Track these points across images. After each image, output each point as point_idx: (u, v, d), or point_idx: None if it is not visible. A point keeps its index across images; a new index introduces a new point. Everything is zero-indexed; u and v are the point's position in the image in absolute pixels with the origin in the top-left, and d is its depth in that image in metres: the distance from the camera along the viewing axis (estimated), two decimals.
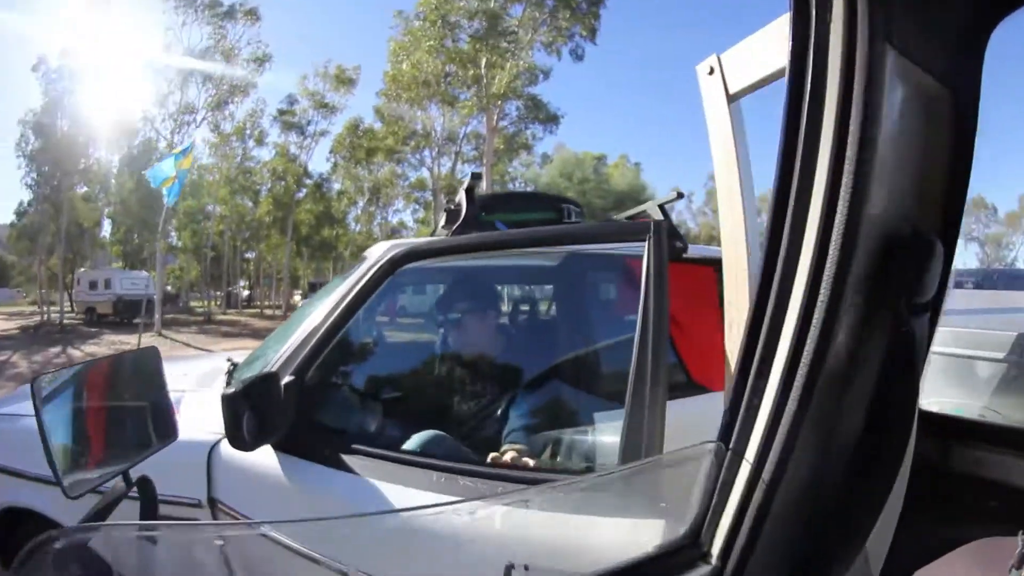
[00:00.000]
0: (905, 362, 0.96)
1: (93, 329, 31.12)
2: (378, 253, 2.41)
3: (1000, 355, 3.00)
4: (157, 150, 33.99)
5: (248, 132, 37.98)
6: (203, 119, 34.76)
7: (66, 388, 1.46)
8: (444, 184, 35.71)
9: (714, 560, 1.03)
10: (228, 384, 2.42)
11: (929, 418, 1.24)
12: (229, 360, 3.02)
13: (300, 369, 2.21)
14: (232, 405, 1.90)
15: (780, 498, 0.96)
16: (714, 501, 1.05)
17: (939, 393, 2.99)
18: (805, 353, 0.92)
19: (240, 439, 1.92)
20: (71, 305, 37.77)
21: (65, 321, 34.06)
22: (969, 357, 3.06)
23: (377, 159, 38.61)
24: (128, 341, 24.63)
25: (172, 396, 2.63)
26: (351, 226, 43.39)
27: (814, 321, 0.92)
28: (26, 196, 35.83)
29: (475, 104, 29.41)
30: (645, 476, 1.31)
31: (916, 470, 1.12)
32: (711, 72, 1.55)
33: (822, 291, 0.91)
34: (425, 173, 39.23)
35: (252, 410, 1.94)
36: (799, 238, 0.95)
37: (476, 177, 2.62)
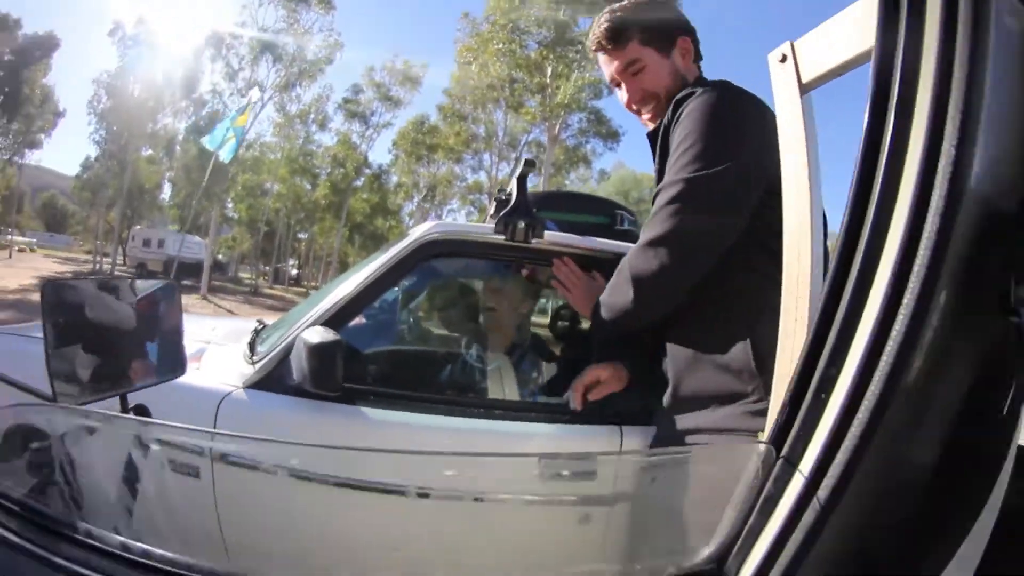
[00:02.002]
0: (1008, 366, 0.78)
1: None
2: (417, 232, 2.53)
3: None
4: (222, 122, 34.69)
5: (312, 116, 38.31)
6: (270, 98, 35.14)
7: (79, 300, 1.41)
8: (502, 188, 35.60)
9: None
10: (259, 339, 2.64)
11: None
12: (259, 321, 3.00)
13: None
14: (330, 350, 2.07)
15: (834, 525, 0.77)
16: (751, 520, 0.87)
17: None
18: (889, 344, 0.75)
19: (334, 383, 2.09)
20: (123, 259, 38.76)
21: (116, 273, 34.88)
22: None
23: (438, 156, 38.75)
24: None
25: (195, 345, 2.63)
26: (405, 220, 43.56)
27: (903, 307, 0.74)
28: (93, 152, 37.00)
29: (538, 112, 29.35)
30: (676, 466, 1.17)
31: (1014, 516, 0.89)
32: (783, 60, 1.47)
33: (916, 269, 0.73)
34: (483, 176, 39.29)
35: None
36: (889, 210, 0.78)
37: (530, 164, 2.49)
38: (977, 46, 0.73)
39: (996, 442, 0.79)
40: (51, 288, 1.32)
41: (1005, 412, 0.77)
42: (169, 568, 0.84)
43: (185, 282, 33.35)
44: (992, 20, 0.73)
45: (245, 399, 2.24)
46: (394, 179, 42.16)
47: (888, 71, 0.81)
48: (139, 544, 0.85)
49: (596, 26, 2.08)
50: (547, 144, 30.52)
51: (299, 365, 2.12)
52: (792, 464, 0.83)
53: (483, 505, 1.24)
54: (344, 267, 45.23)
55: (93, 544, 0.86)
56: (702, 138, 1.78)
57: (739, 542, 0.87)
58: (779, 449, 0.86)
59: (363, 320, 2.75)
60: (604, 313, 1.99)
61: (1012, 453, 0.79)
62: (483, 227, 2.54)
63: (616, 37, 2.05)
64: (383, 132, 39.98)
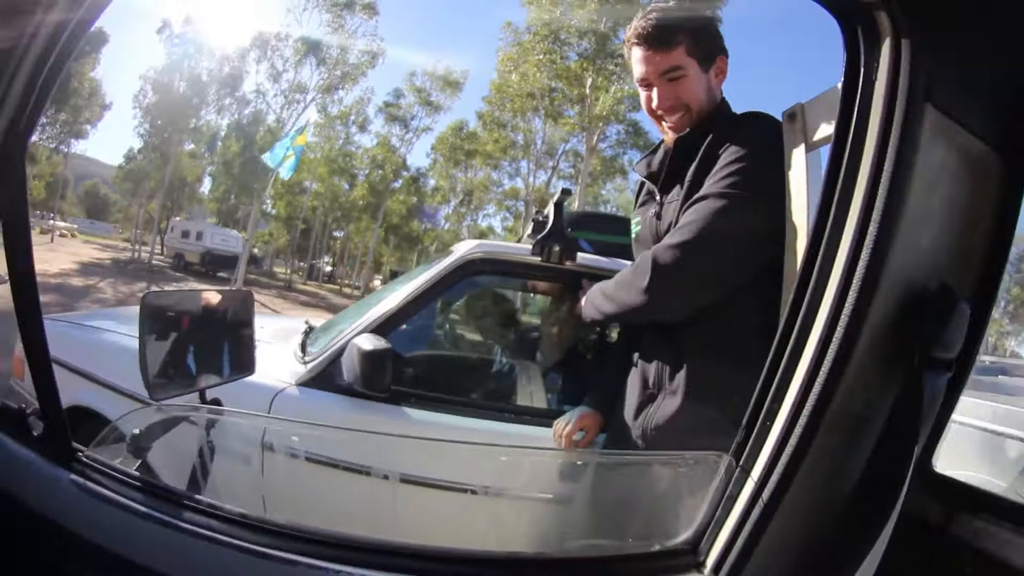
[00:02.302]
0: (910, 412, 0.99)
1: (179, 274, 32.44)
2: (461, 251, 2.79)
3: None
4: (265, 123, 35.31)
5: (353, 118, 38.88)
6: (312, 100, 35.72)
7: (169, 308, 1.63)
8: (537, 196, 35.92)
9: (707, 571, 1.09)
10: (308, 343, 2.89)
11: (941, 481, 1.25)
12: (307, 322, 3.22)
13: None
14: (381, 357, 2.33)
15: (777, 520, 1.01)
16: (717, 513, 1.11)
17: (973, 468, 3.06)
18: (815, 387, 0.98)
19: (384, 385, 2.35)
20: (161, 249, 39.42)
21: (154, 262, 35.70)
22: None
23: (475, 161, 38.99)
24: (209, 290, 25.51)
25: None
26: (440, 223, 43.91)
27: (827, 359, 0.97)
28: (136, 144, 37.94)
29: (577, 123, 29.40)
30: (661, 468, 1.41)
31: (919, 529, 1.16)
32: (792, 118, 1.60)
33: (838, 331, 0.95)
34: (519, 183, 39.46)
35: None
36: (825, 280, 1.00)
37: (566, 192, 2.66)
38: (902, 163, 0.92)
39: (902, 465, 0.99)
40: (148, 299, 1.53)
41: (909, 441, 1.00)
42: (286, 531, 1.05)
43: (220, 274, 33.91)
44: (920, 140, 0.93)
45: (297, 395, 2.50)
46: (431, 183, 42.52)
47: (837, 169, 1.01)
48: (254, 513, 1.06)
49: (644, 19, 1.94)
50: (584, 154, 30.53)
51: (351, 367, 2.35)
52: (746, 472, 1.07)
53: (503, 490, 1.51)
54: (378, 267, 45.54)
55: (214, 511, 1.07)
56: (755, 162, 1.80)
57: (709, 529, 1.11)
58: (738, 460, 1.10)
59: (407, 327, 2.95)
60: (606, 305, 2.03)
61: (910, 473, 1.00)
62: (521, 248, 2.76)
63: (665, 38, 1.93)
64: (422, 136, 40.53)
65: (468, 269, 2.71)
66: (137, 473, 1.13)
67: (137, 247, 39.26)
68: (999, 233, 1.08)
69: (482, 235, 43.56)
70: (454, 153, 39.10)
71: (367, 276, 43.93)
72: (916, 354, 0.97)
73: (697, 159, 1.93)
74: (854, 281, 0.94)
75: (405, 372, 2.76)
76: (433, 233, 42.96)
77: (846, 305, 0.95)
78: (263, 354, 2.80)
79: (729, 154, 1.85)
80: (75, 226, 54.16)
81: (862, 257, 0.94)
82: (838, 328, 0.96)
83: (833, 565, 1.03)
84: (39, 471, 1.07)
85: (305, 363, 2.60)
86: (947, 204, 1.01)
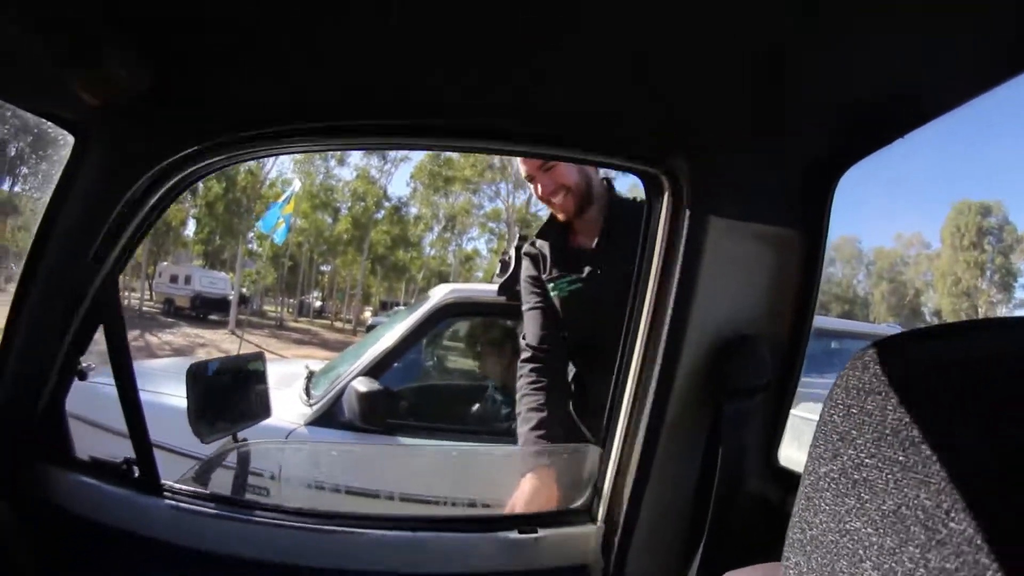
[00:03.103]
0: (718, 426, 1.41)
1: (170, 319, 32.33)
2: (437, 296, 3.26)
3: None
4: (246, 164, 35.53)
5: (331, 153, 38.86)
6: None
7: (206, 371, 2.06)
8: (519, 216, 36.23)
9: (599, 523, 1.56)
10: (312, 384, 3.34)
11: (781, 471, 1.55)
12: (307, 367, 3.64)
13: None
14: (375, 397, 2.79)
15: (634, 489, 1.46)
16: (596, 484, 1.60)
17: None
18: (637, 409, 1.46)
19: (379, 420, 2.83)
20: (150, 295, 39.30)
21: (144, 308, 35.66)
22: None
23: (455, 187, 39.49)
24: (202, 335, 25.47)
25: None
26: (426, 250, 44.44)
27: (651, 387, 1.41)
28: None
29: None
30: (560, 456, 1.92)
31: (764, 508, 1.48)
32: None
33: (655, 373, 1.41)
34: (500, 204, 39.94)
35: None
36: (634, 340, 1.49)
37: (524, 239, 2.85)
38: (687, 266, 1.36)
39: (711, 463, 1.44)
40: (192, 369, 1.97)
41: (716, 443, 1.44)
42: (323, 513, 1.52)
43: (212, 316, 34.03)
44: (705, 245, 1.36)
45: (307, 434, 2.93)
46: (413, 211, 42.85)
47: (639, 271, 1.50)
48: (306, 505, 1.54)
49: None
50: None
51: (350, 407, 2.80)
52: (608, 456, 1.56)
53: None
54: (367, 298, 45.48)
55: (276, 507, 1.53)
56: None
57: (594, 494, 1.61)
58: (602, 447, 1.59)
59: (397, 365, 3.37)
60: None
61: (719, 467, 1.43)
62: (489, 288, 3.21)
63: None
64: (401, 166, 41.04)
65: (444, 312, 3.19)
66: (210, 491, 1.56)
67: (127, 294, 39.09)
68: (806, 288, 1.45)
69: (468, 259, 43.74)
70: (433, 180, 39.56)
71: (357, 309, 44.29)
72: (720, 386, 1.40)
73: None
74: (662, 340, 1.40)
75: (398, 405, 3.15)
76: (420, 261, 43.07)
77: (657, 357, 1.41)
78: (272, 400, 3.25)
79: None
80: None
81: (663, 330, 1.40)
82: (654, 372, 1.41)
83: (683, 518, 1.49)
84: (141, 504, 1.49)
85: (311, 405, 3.03)
86: (749, 279, 1.41)
